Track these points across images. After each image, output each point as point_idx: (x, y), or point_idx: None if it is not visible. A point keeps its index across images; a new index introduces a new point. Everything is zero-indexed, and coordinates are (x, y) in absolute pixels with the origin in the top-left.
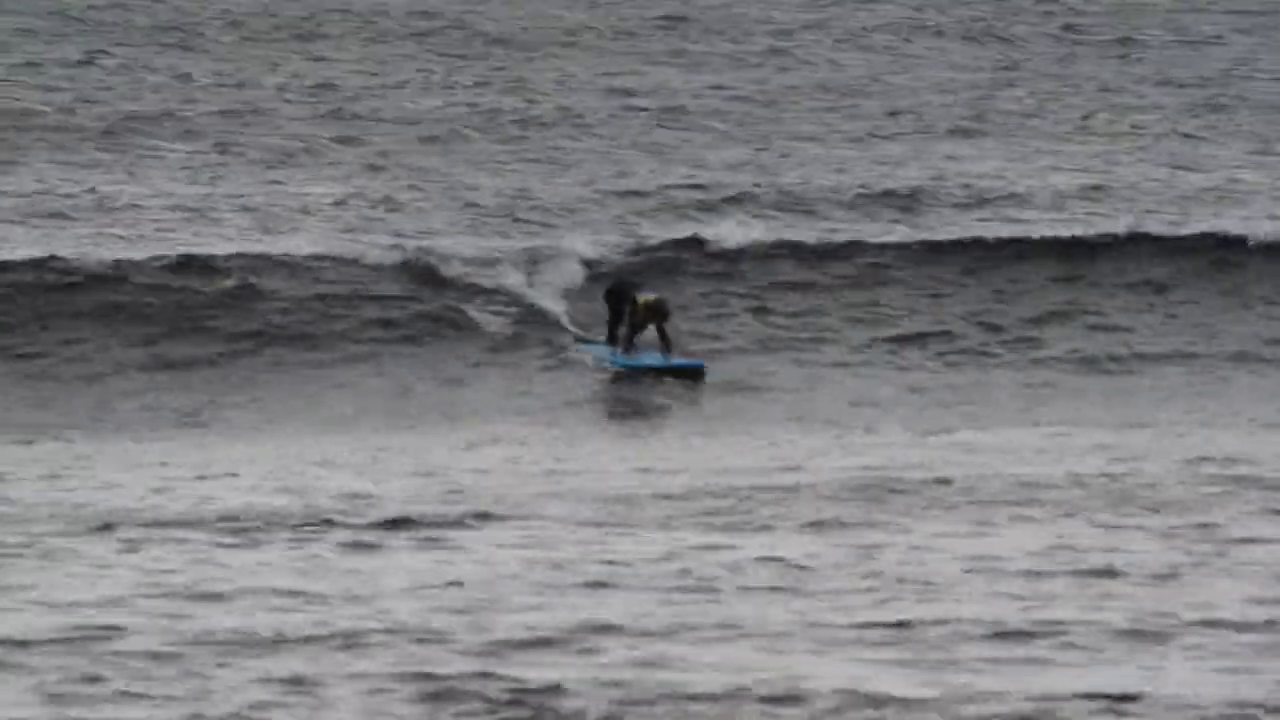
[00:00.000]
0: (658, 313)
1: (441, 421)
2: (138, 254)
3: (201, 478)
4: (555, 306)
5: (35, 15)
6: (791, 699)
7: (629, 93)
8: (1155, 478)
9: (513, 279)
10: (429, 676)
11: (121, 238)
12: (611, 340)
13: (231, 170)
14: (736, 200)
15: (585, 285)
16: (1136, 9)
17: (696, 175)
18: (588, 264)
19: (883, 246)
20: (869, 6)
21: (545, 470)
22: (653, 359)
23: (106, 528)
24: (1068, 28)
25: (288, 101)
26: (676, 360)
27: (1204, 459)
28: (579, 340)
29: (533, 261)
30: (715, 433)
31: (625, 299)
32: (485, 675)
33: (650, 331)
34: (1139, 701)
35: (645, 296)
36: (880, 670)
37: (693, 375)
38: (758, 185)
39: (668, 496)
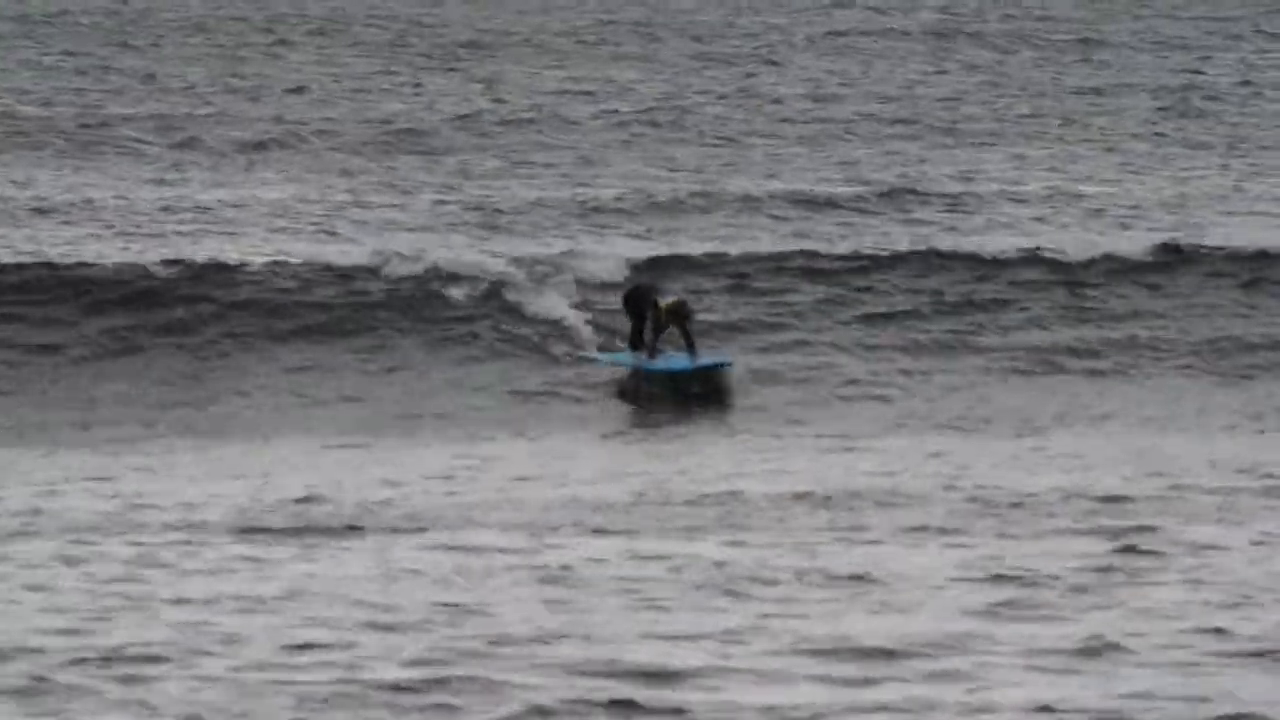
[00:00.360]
0: (680, 315)
1: (442, 429)
2: (118, 255)
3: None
4: (571, 316)
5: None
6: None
7: (592, 95)
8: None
9: (523, 288)
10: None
11: (97, 237)
12: (634, 346)
13: (205, 172)
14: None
15: (594, 293)
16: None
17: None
18: (597, 272)
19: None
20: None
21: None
22: (679, 362)
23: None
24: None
25: (255, 102)
26: (703, 360)
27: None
28: (601, 350)
29: (539, 269)
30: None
31: (645, 303)
32: None
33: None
34: None
35: (666, 300)
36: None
37: (718, 372)
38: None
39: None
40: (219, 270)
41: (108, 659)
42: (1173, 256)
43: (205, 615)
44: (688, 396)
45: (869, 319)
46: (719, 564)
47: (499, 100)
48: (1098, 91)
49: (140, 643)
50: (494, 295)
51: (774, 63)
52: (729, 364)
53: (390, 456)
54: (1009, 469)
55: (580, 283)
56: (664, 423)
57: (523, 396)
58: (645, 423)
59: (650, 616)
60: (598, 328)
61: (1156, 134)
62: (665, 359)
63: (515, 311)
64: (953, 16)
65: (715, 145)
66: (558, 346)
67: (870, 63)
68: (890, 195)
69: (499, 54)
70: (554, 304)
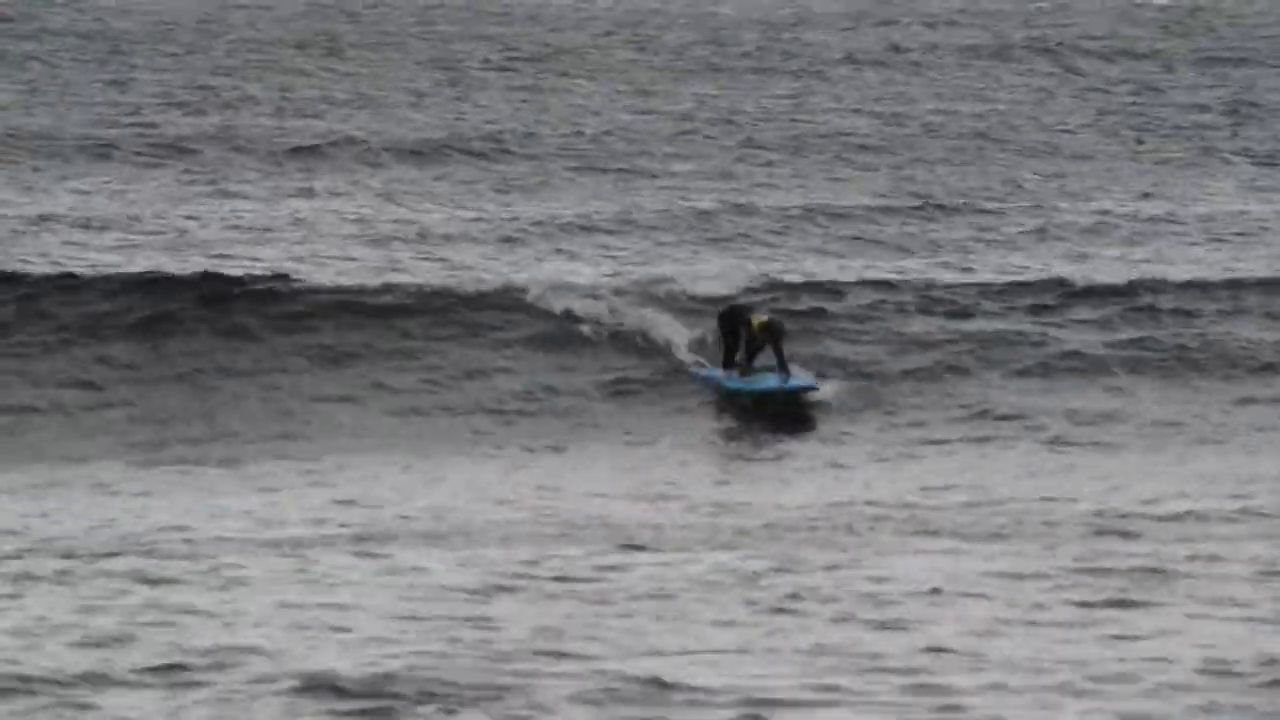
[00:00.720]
0: (773, 333)
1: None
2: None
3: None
4: (670, 333)
5: None
6: None
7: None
8: None
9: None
10: None
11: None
12: (728, 365)
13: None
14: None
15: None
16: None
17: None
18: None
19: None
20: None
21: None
22: (770, 382)
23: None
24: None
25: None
26: (793, 382)
27: None
28: (696, 364)
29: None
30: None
31: (740, 322)
32: None
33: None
34: None
35: (760, 318)
36: None
37: (804, 394)
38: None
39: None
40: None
41: None
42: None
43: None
44: (775, 416)
45: (991, 343)
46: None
47: (547, 112)
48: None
49: None
50: (593, 310)
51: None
52: (814, 386)
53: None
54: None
55: (680, 298)
56: (762, 444)
57: (626, 407)
58: (746, 441)
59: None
60: (695, 344)
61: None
62: (756, 379)
63: (617, 325)
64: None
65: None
66: (659, 360)
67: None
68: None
69: (553, 67)
70: (655, 320)
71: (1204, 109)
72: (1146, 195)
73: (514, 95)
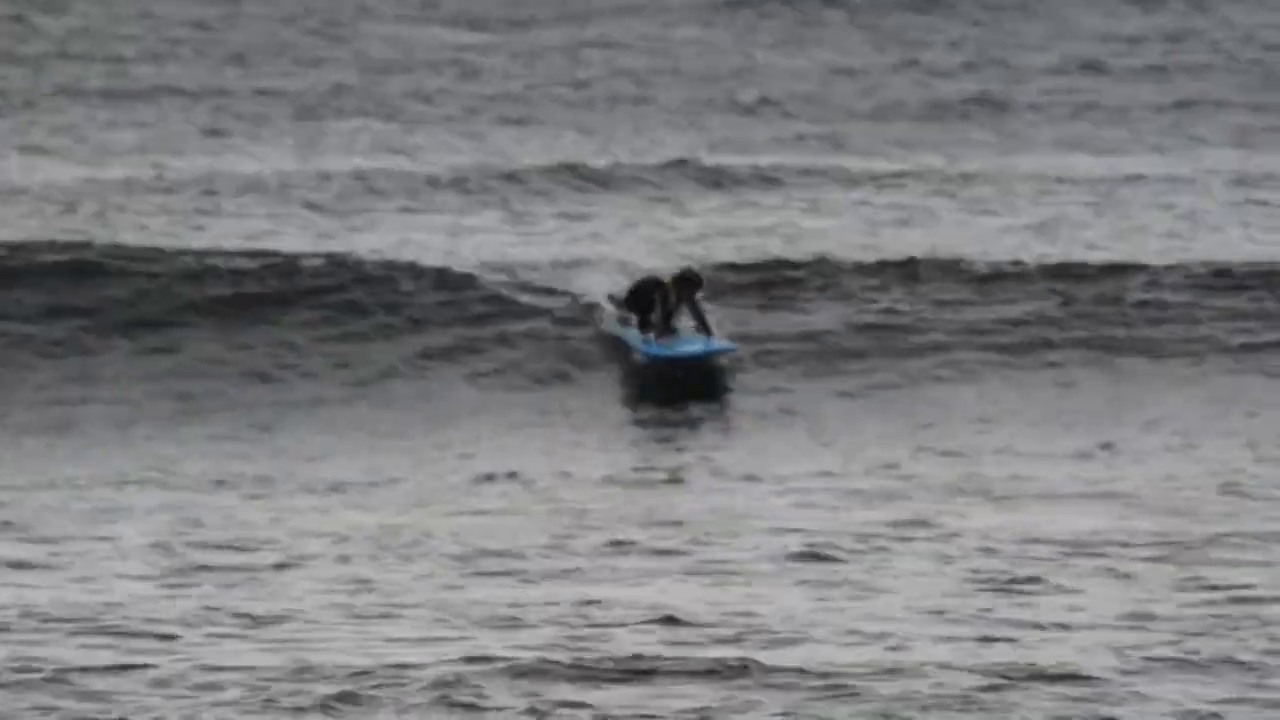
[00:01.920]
0: (690, 283)
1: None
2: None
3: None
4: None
5: None
6: None
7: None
8: None
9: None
10: None
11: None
12: (644, 328)
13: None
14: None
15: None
16: None
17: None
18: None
19: None
20: None
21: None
22: (691, 345)
23: None
24: None
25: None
26: (717, 344)
27: None
28: (620, 321)
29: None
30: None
31: (652, 289)
32: None
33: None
34: None
35: (671, 274)
36: None
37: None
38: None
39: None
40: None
41: None
42: None
43: None
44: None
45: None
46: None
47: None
48: None
49: None
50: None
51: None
52: (733, 348)
53: None
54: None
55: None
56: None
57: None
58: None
59: None
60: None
61: None
62: (676, 343)
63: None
64: None
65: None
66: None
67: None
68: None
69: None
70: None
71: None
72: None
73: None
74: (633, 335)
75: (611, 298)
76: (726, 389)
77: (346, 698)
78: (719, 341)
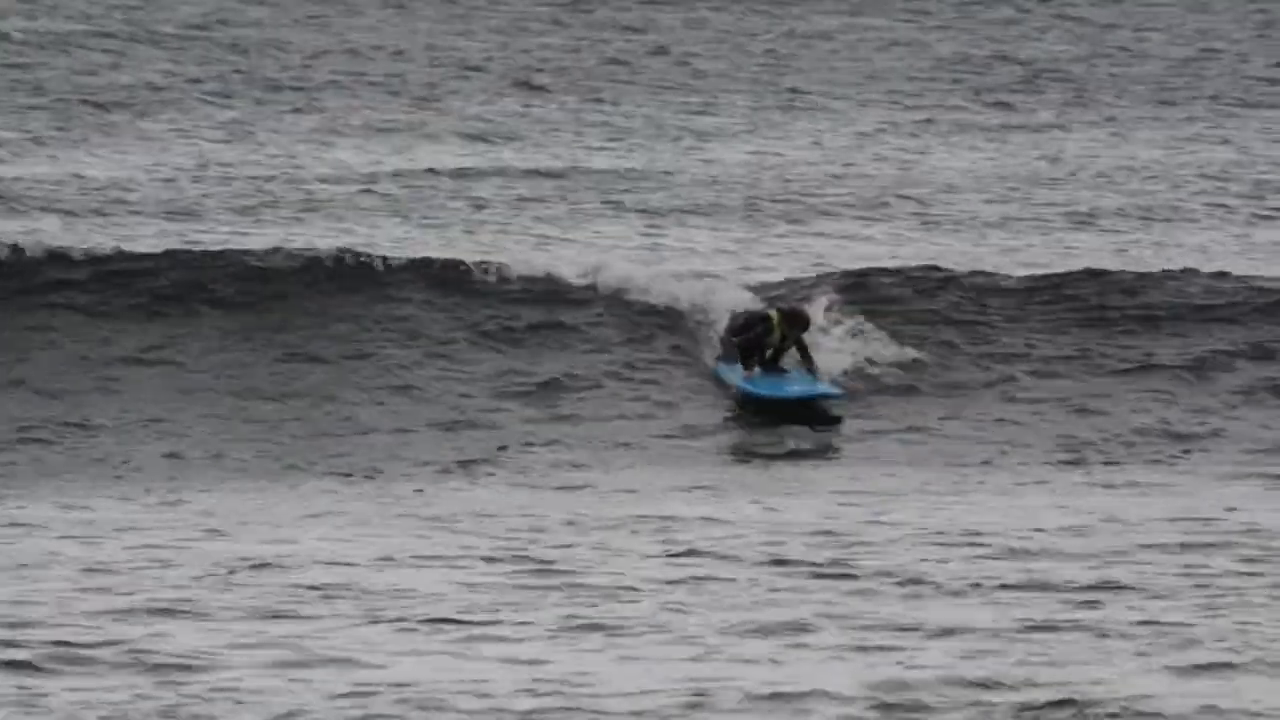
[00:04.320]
0: (798, 321)
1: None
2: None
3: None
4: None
5: None
6: None
7: None
8: None
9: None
10: None
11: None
12: (747, 365)
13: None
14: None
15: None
16: None
17: None
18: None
19: None
20: None
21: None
22: (797, 386)
23: None
24: None
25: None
26: (822, 387)
27: None
28: (719, 360)
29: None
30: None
31: (757, 320)
32: None
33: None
34: None
35: (779, 307)
36: None
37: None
38: None
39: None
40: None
41: None
42: None
43: None
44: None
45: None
46: None
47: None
48: None
49: None
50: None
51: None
52: (840, 394)
53: None
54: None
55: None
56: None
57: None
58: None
59: None
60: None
61: None
62: (782, 381)
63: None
64: None
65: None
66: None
67: None
68: None
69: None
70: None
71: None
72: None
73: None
74: (735, 373)
75: (722, 332)
76: (834, 423)
77: None
78: (824, 385)
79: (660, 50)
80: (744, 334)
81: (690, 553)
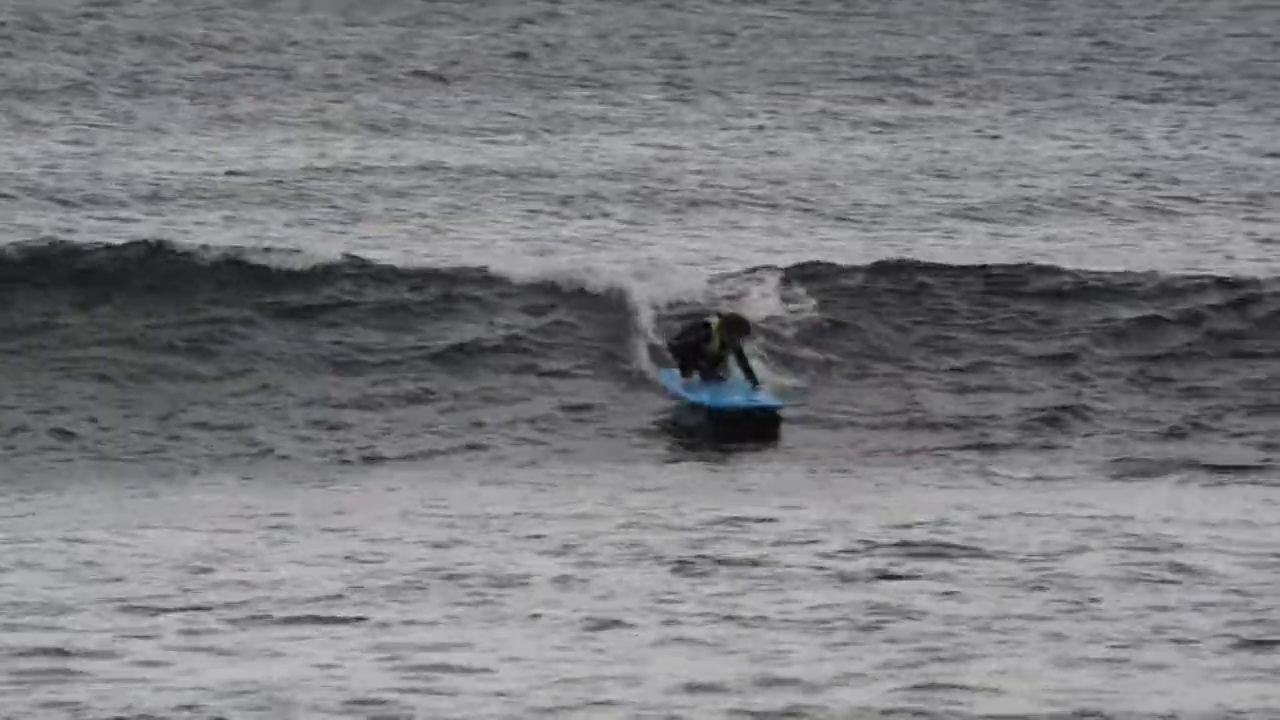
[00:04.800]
0: (738, 327)
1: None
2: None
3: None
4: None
5: None
6: None
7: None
8: None
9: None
10: None
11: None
12: (686, 372)
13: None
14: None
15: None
16: None
17: None
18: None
19: None
20: None
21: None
22: (737, 397)
23: None
24: None
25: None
26: (762, 398)
27: None
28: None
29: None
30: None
31: (696, 329)
32: None
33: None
34: None
35: (719, 313)
36: None
37: (769, 420)
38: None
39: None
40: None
41: None
42: None
43: None
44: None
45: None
46: None
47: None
48: None
49: None
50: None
51: None
52: (780, 405)
53: None
54: None
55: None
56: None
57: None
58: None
59: None
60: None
61: None
62: (722, 390)
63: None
64: None
65: None
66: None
67: None
68: None
69: None
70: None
71: None
72: None
73: None
74: (676, 381)
75: (664, 341)
76: (776, 437)
77: None
78: (764, 395)
79: (557, 44)
80: (683, 339)
81: (566, 549)
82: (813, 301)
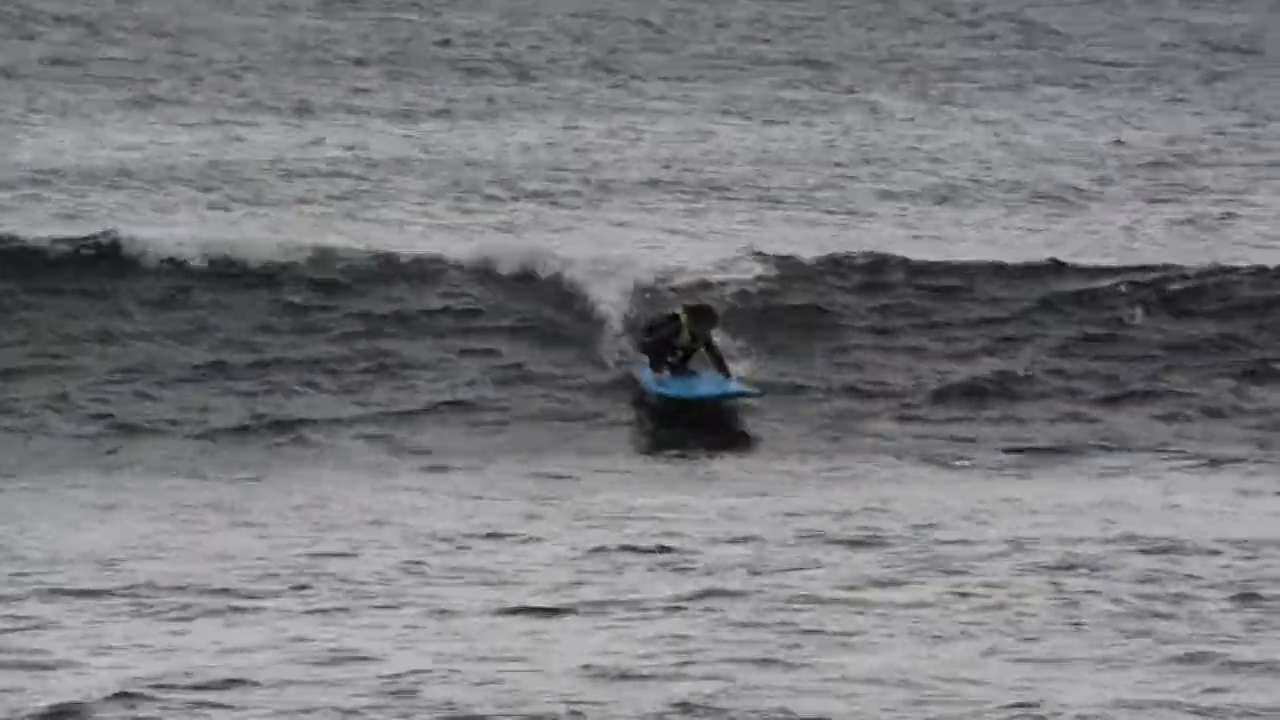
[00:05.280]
0: (706, 316)
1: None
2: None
3: None
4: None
5: None
6: None
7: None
8: None
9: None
10: None
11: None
12: (657, 366)
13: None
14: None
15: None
16: None
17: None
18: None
19: None
20: None
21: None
22: (708, 387)
23: None
24: None
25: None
26: (734, 386)
27: None
28: (622, 361)
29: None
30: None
31: (665, 322)
32: None
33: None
34: None
35: (685, 305)
36: None
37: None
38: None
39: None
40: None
41: None
42: None
43: None
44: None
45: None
46: None
47: None
48: None
49: None
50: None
51: None
52: (757, 392)
53: None
54: None
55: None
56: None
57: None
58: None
59: None
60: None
61: None
62: (692, 381)
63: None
64: None
65: None
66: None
67: None
68: None
69: None
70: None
71: None
72: None
73: None
74: (646, 374)
75: (635, 334)
76: (744, 432)
77: None
78: (735, 384)
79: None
80: (654, 334)
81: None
82: (727, 288)
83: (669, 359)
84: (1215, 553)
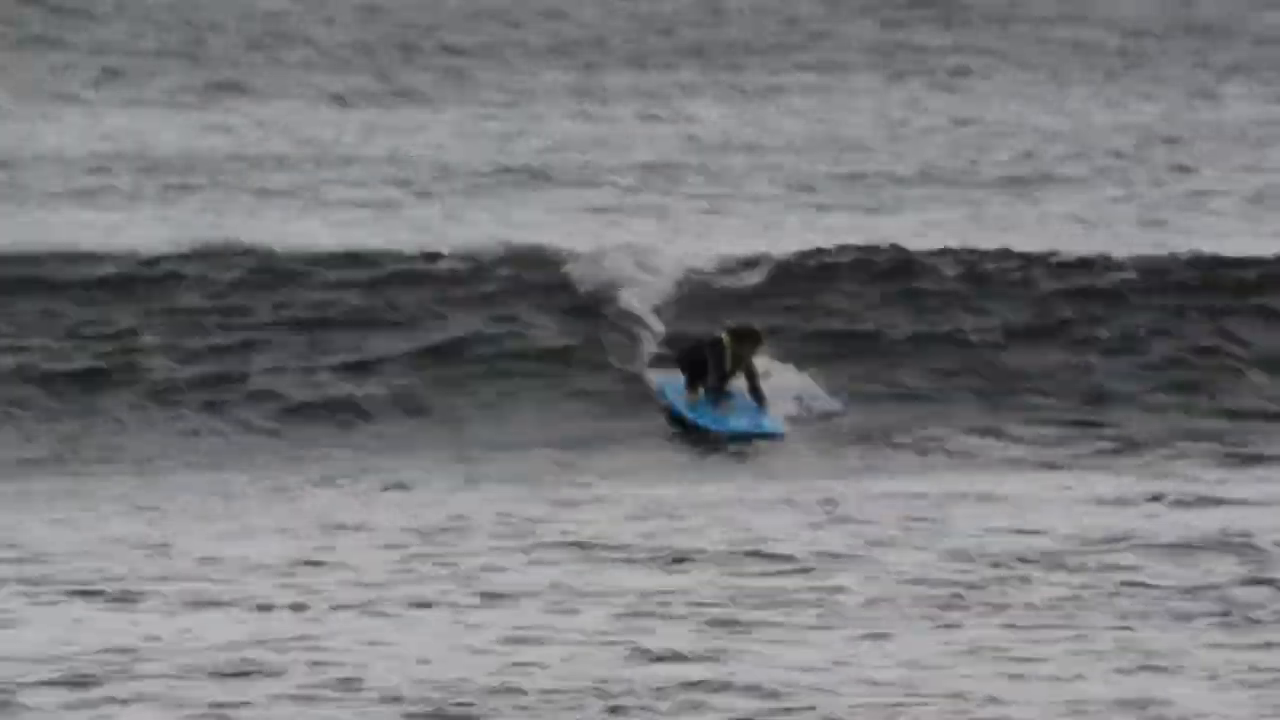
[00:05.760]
0: (749, 337)
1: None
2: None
3: None
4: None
5: None
6: None
7: None
8: None
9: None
10: None
11: None
12: (692, 391)
13: None
14: None
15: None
16: None
17: None
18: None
19: None
20: None
21: None
22: (740, 421)
23: None
24: None
25: None
26: (766, 423)
27: None
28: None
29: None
30: None
31: (708, 347)
32: None
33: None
34: None
35: (727, 326)
36: None
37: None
38: None
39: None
40: None
41: None
42: None
43: None
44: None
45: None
46: None
47: None
48: None
49: None
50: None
51: None
52: (781, 433)
53: None
54: None
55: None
56: None
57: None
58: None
59: None
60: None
61: None
62: (727, 414)
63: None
64: None
65: None
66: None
67: None
68: None
69: None
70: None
71: None
72: None
73: None
74: (680, 400)
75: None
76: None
77: None
78: (768, 421)
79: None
80: (693, 357)
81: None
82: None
83: (706, 381)
84: None
